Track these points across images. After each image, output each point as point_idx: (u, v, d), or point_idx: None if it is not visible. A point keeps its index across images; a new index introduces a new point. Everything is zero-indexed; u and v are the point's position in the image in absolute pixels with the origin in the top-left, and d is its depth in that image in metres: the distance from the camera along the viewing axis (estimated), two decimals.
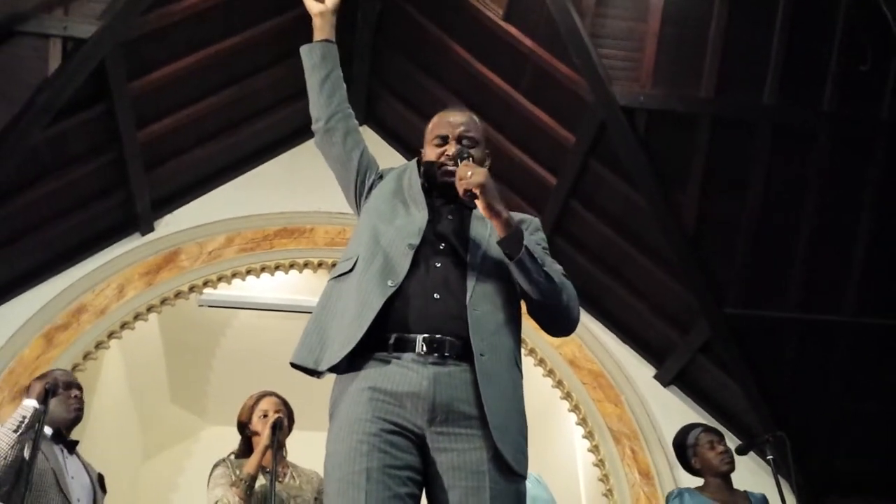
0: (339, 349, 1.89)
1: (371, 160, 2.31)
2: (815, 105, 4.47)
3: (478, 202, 1.96)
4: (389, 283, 1.94)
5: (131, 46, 4.72)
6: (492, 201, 1.95)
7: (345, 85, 2.35)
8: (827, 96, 4.43)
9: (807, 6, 4.32)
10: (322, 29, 2.34)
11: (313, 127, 2.32)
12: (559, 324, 2.10)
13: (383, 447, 1.80)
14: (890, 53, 4.22)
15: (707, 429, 3.85)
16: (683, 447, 3.79)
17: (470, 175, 1.96)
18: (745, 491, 3.66)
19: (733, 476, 3.71)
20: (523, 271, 1.95)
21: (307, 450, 3.93)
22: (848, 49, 4.32)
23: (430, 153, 2.27)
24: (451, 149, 2.20)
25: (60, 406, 3.34)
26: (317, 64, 2.31)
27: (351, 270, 2.03)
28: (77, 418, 3.44)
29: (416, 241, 2.02)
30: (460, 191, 1.98)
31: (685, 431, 3.85)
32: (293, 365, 1.97)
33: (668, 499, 3.70)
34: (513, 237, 1.96)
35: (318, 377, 1.97)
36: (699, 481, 3.75)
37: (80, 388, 3.51)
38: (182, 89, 5.27)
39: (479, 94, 5.48)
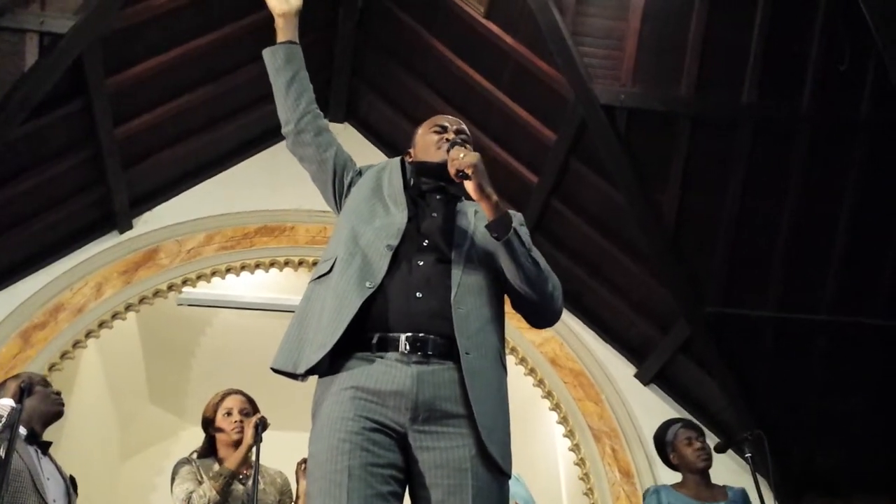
0: (316, 351, 1.88)
1: (347, 158, 2.30)
2: (795, 104, 4.49)
3: (468, 183, 1.97)
4: (367, 284, 1.93)
5: (109, 42, 4.67)
6: (482, 182, 1.96)
7: (311, 86, 2.32)
8: (806, 96, 4.46)
9: (786, 6, 4.34)
10: (284, 30, 2.32)
11: (283, 131, 2.29)
12: (543, 313, 2.10)
13: (365, 445, 1.79)
14: (869, 53, 4.25)
15: (686, 424, 3.86)
16: (662, 443, 3.81)
17: (462, 156, 1.98)
18: (724, 486, 3.67)
19: (713, 473, 3.71)
20: (511, 254, 1.96)
21: (282, 449, 3.92)
22: (827, 48, 4.35)
23: (425, 142, 2.27)
24: (451, 134, 2.23)
25: (41, 402, 3.32)
26: (281, 66, 2.29)
27: (329, 272, 2.02)
28: (59, 413, 3.42)
29: (395, 242, 2.01)
30: (452, 171, 1.98)
31: (665, 427, 3.86)
32: (274, 370, 1.96)
33: (645, 495, 3.70)
34: (501, 220, 1.97)
35: (302, 380, 1.95)
36: (680, 477, 3.76)
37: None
38: (161, 85, 5.23)
39: (460, 92, 5.48)
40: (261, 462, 3.45)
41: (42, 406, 3.30)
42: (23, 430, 3.21)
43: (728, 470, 4.72)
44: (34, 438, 3.29)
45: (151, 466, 6.93)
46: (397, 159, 2.32)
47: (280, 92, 2.28)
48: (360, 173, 2.28)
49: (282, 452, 3.85)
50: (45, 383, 3.45)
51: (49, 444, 3.40)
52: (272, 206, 5.91)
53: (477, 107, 5.38)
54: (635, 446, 5.36)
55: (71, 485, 3.40)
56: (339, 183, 2.25)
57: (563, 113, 4.89)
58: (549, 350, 5.68)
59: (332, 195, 2.27)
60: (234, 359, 6.57)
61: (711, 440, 4.91)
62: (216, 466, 3.37)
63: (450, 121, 2.31)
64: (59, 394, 3.44)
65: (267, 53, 2.32)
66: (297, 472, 3.62)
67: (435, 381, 1.85)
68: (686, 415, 5.37)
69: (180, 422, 7.20)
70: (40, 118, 4.64)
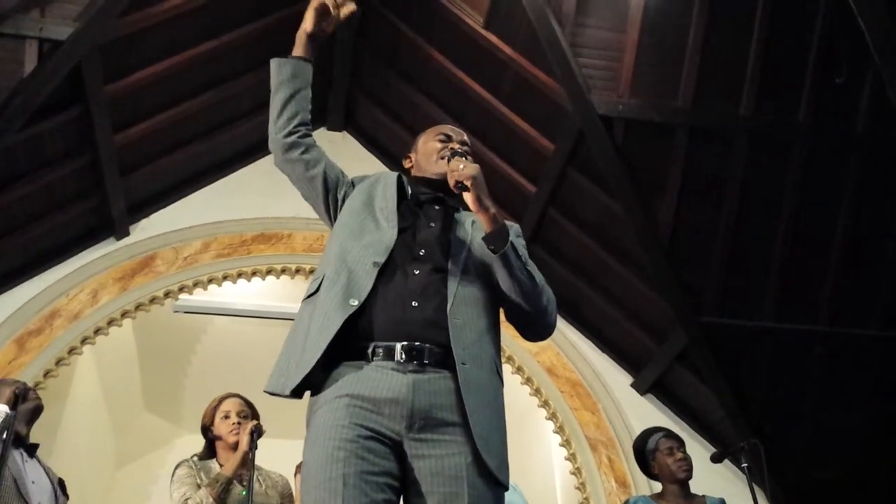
0: (300, 371, 1.88)
1: (338, 172, 2.26)
2: (792, 116, 4.51)
3: (467, 195, 1.97)
4: (352, 301, 1.92)
5: (108, 49, 4.68)
6: (481, 195, 1.96)
7: (310, 106, 2.26)
8: (803, 108, 4.48)
9: (784, 18, 4.36)
10: (305, 46, 2.27)
11: (271, 147, 2.24)
12: (537, 326, 2.10)
13: (360, 453, 1.78)
14: (865, 66, 4.27)
15: (668, 434, 3.80)
16: (643, 452, 3.77)
17: (462, 168, 1.98)
18: (703, 496, 3.63)
19: (709, 483, 3.71)
20: (507, 266, 1.96)
21: (279, 457, 3.91)
22: (824, 61, 4.37)
23: (427, 148, 2.28)
24: (455, 144, 2.23)
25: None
26: (285, 80, 2.23)
27: (317, 291, 2.02)
28: (39, 407, 3.41)
29: (382, 259, 1.99)
30: (451, 182, 1.98)
31: (646, 436, 3.82)
32: (268, 393, 1.96)
33: None
34: (498, 232, 1.97)
35: (298, 398, 1.94)
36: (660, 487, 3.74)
37: None
38: (159, 93, 5.23)
39: (458, 102, 5.49)
40: (262, 466, 3.46)
41: (21, 409, 3.28)
42: None
43: (725, 480, 4.72)
44: (20, 442, 3.27)
45: (146, 474, 6.91)
46: (394, 174, 2.30)
47: (276, 106, 2.23)
48: (352, 185, 2.25)
49: (279, 460, 3.84)
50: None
51: (36, 446, 3.38)
52: (269, 214, 5.90)
53: (475, 116, 5.39)
54: (632, 456, 5.34)
55: (60, 488, 3.38)
56: (332, 198, 2.23)
57: (562, 123, 4.90)
58: (546, 359, 5.67)
59: (324, 211, 2.24)
60: (230, 366, 6.55)
61: (708, 450, 4.93)
62: (217, 467, 3.37)
63: (454, 131, 2.32)
64: (31, 390, 3.45)
65: (274, 64, 2.26)
66: (296, 476, 3.61)
67: (431, 390, 1.85)
68: (682, 424, 5.37)
69: (176, 429, 7.18)
70: (38, 124, 4.64)
